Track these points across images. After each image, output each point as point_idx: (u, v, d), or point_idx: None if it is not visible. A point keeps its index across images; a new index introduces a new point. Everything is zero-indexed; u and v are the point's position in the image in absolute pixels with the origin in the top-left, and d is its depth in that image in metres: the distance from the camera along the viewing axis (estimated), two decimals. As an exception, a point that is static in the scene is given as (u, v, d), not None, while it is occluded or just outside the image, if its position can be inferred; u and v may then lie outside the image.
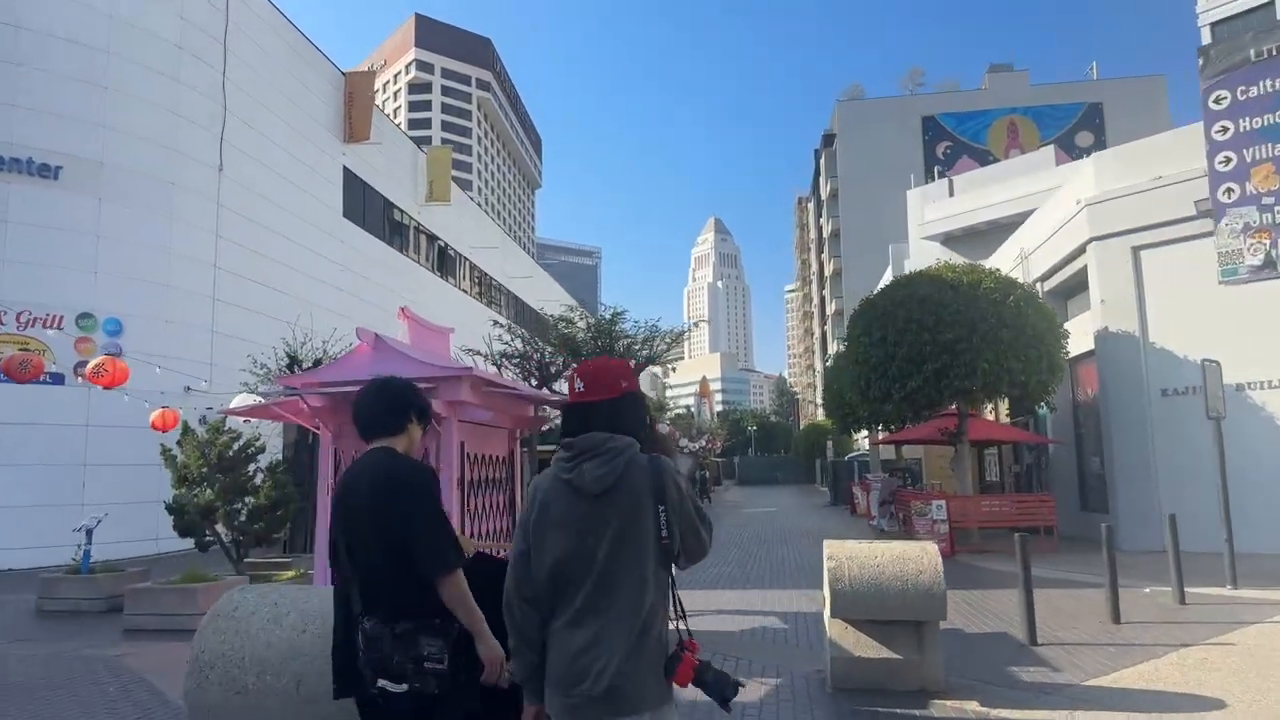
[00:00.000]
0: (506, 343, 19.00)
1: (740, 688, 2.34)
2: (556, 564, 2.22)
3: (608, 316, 19.70)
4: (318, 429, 7.15)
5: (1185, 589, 9.14)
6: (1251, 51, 13.09)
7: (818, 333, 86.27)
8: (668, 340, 20.62)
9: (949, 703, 5.21)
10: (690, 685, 2.22)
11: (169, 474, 11.37)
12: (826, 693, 5.54)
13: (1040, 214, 19.37)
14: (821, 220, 78.25)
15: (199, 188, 19.27)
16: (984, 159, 62.23)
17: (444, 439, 6.88)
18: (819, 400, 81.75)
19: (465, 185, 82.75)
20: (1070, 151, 55.13)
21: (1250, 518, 12.89)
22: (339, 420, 7.14)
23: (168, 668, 6.86)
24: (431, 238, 33.54)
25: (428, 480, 2.72)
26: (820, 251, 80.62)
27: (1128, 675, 5.99)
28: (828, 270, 73.99)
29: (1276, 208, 12.59)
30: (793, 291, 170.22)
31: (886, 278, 39.80)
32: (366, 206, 27.83)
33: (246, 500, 11.27)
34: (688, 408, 68.57)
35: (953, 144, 69.97)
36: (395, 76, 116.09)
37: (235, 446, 11.59)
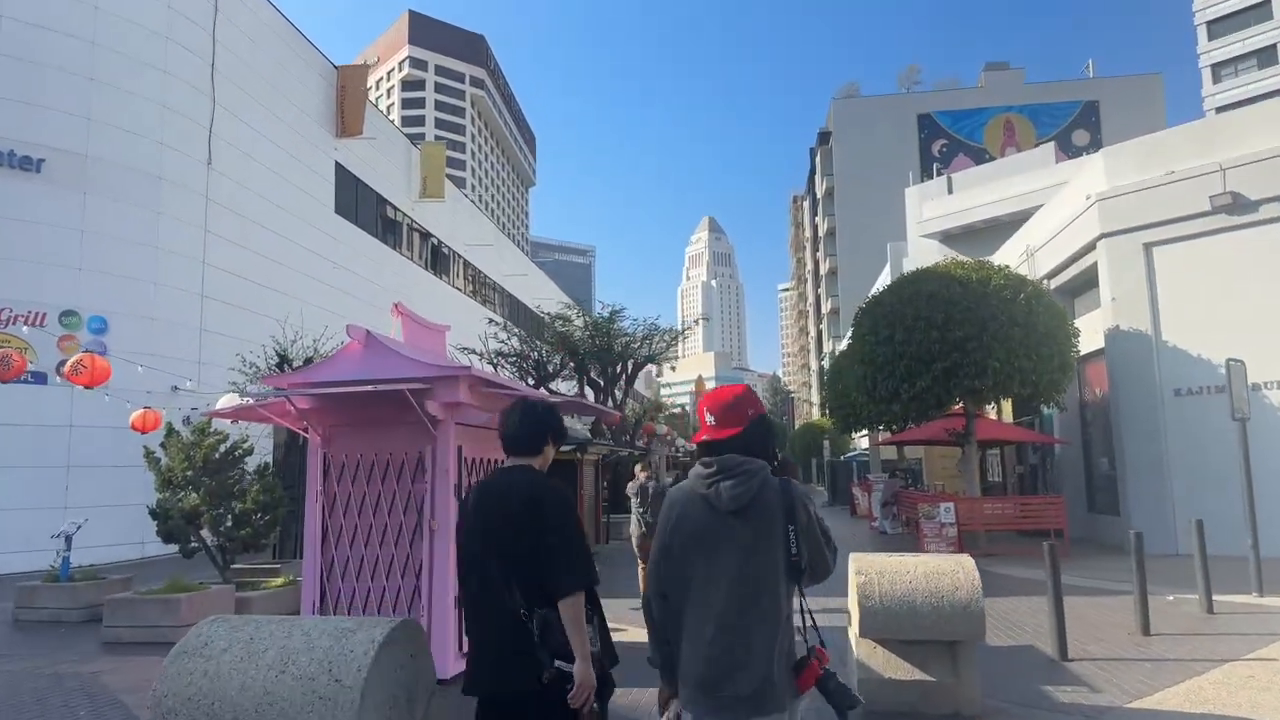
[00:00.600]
0: (503, 341, 18.59)
1: (860, 704, 2.48)
2: (693, 573, 2.43)
3: (606, 315, 19.34)
4: (305, 431, 6.72)
5: (1212, 597, 8.76)
6: None
7: (813, 332, 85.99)
8: (667, 339, 20.28)
9: (987, 728, 4.83)
10: (814, 690, 2.40)
11: (152, 477, 10.91)
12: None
13: (1047, 210, 19.03)
14: (817, 219, 77.93)
15: (187, 182, 18.79)
16: (980, 157, 62.06)
17: (440, 443, 6.48)
18: (814, 400, 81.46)
19: (459, 183, 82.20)
20: (1067, 150, 54.94)
21: (1266, 521, 12.56)
22: (329, 422, 6.73)
23: (145, 686, 6.42)
24: (425, 235, 33.07)
25: (570, 502, 2.94)
26: (815, 250, 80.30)
27: (1173, 696, 5.62)
28: (823, 269, 73.68)
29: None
30: (787, 290, 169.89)
31: (884, 276, 39.54)
32: (359, 202, 27.36)
33: (233, 505, 10.81)
34: (682, 407, 68.13)
35: (948, 142, 69.76)
36: (389, 74, 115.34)
37: (222, 448, 11.13)
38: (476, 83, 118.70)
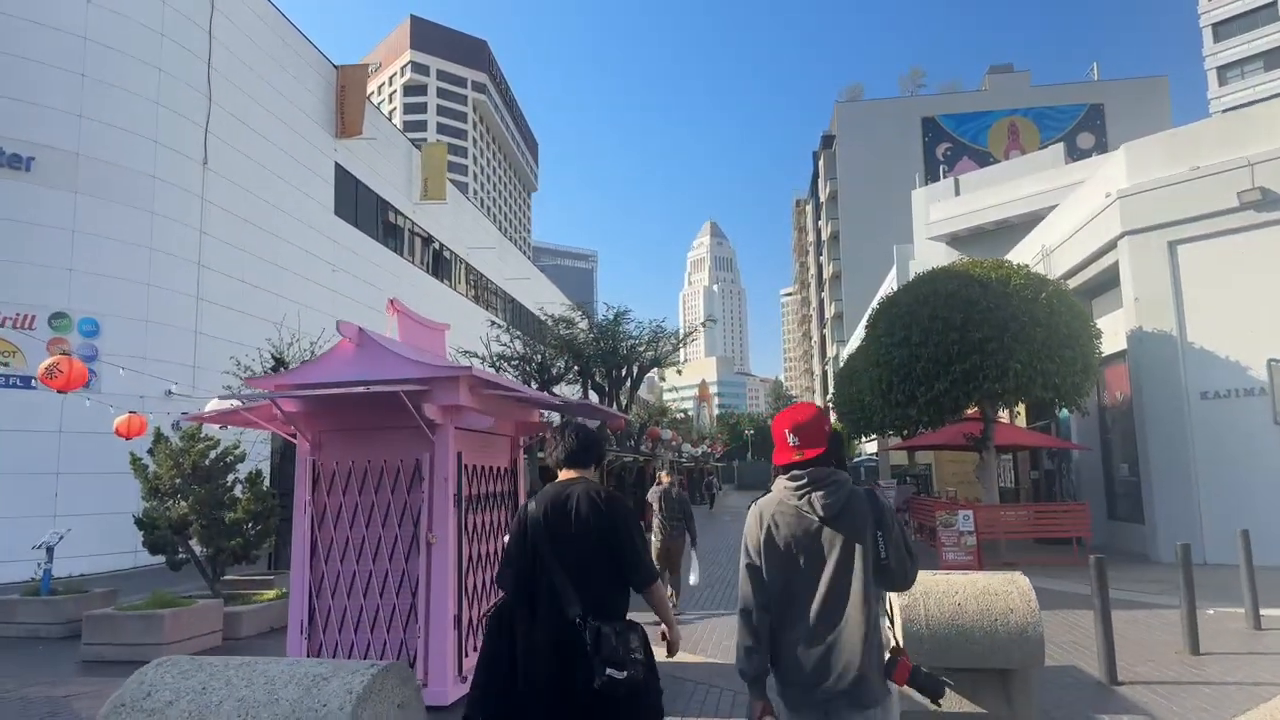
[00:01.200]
0: (505, 344, 18.11)
1: (948, 686, 2.71)
2: (789, 578, 2.58)
3: (610, 317, 18.86)
4: (293, 437, 6.23)
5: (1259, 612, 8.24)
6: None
7: (817, 336, 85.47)
8: (673, 342, 19.79)
9: (1045, 767, 4.33)
10: (905, 685, 2.60)
11: (139, 485, 10.43)
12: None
13: (1063, 209, 18.54)
14: (820, 223, 77.48)
15: (182, 182, 18.33)
16: (984, 160, 61.56)
17: (438, 449, 5.99)
18: (819, 404, 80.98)
19: (461, 188, 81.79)
20: (1072, 153, 54.45)
21: (1304, 529, 12.07)
22: (319, 427, 6.24)
23: (120, 714, 5.92)
24: (426, 238, 32.62)
25: (630, 509, 3.26)
26: (819, 254, 79.85)
27: (1244, 727, 5.10)
28: (827, 273, 73.21)
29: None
30: (789, 295, 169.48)
31: (891, 279, 39.06)
32: (359, 204, 26.90)
33: (224, 514, 10.32)
34: (686, 412, 67.62)
35: (953, 145, 69.33)
36: (390, 78, 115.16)
37: (213, 455, 10.66)
38: (478, 87, 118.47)
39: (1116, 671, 6.25)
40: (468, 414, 6.06)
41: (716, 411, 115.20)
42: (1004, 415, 20.55)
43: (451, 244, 34.93)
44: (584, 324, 19.49)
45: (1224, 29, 68.74)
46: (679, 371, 21.27)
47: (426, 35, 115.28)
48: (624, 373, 19.00)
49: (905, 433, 18.95)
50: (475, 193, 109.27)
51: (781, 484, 2.68)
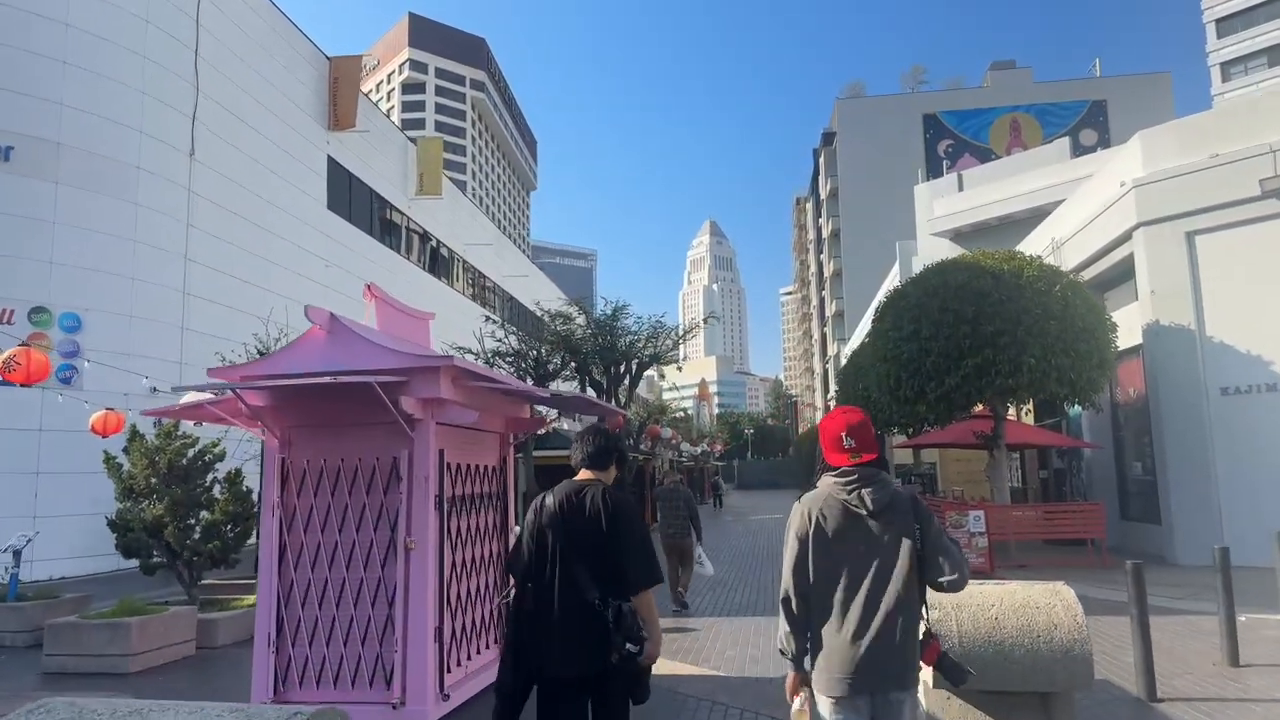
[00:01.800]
0: (500, 340, 17.60)
1: (972, 676, 2.92)
2: (837, 568, 2.78)
3: (608, 312, 18.36)
4: (262, 434, 5.73)
5: (1296, 619, 7.75)
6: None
7: (817, 335, 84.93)
8: (673, 338, 19.28)
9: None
10: (932, 667, 2.88)
11: (113, 485, 9.94)
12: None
13: (1074, 200, 18.04)
14: (821, 220, 76.95)
15: (168, 173, 17.83)
16: (986, 157, 61.06)
17: (418, 446, 5.49)
18: (818, 404, 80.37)
19: (460, 186, 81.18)
20: (1074, 150, 53.95)
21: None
22: (288, 423, 5.74)
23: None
24: (421, 233, 32.10)
25: (637, 511, 3.44)
26: (819, 252, 79.33)
27: (1306, 753, 4.62)
28: (827, 271, 72.68)
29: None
30: (789, 294, 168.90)
31: (893, 276, 38.52)
32: (353, 198, 26.40)
33: (201, 515, 9.83)
34: (686, 411, 67.09)
35: (954, 142, 68.84)
36: (389, 76, 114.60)
37: (191, 453, 10.17)
38: (477, 85, 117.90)
39: (1156, 688, 5.75)
40: (450, 408, 5.56)
41: (716, 411, 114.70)
42: (1010, 413, 20.06)
43: (448, 240, 34.42)
44: (581, 319, 18.96)
45: (1227, 25, 68.31)
46: (679, 369, 20.75)
47: (425, 33, 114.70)
48: (622, 369, 18.49)
49: (911, 431, 18.44)
50: (474, 191, 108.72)
51: (829, 481, 2.87)
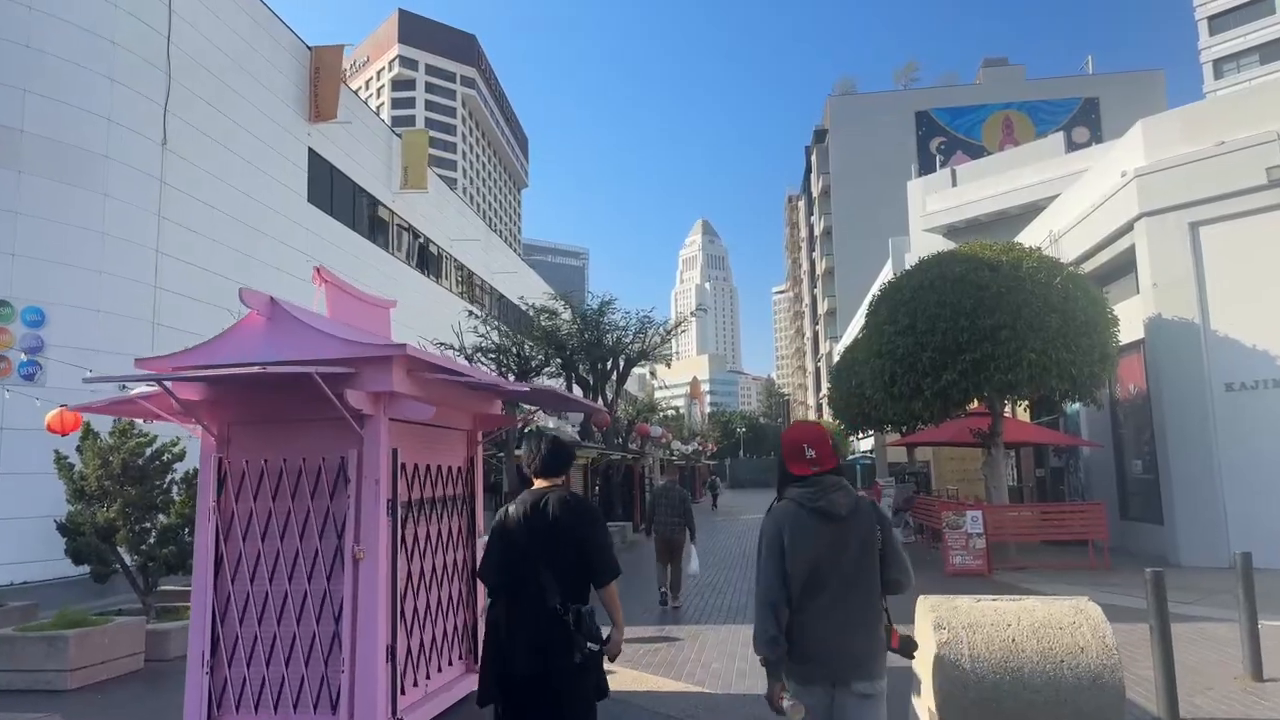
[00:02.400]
0: (483, 335, 17.03)
1: (918, 647, 3.24)
2: (811, 570, 2.94)
3: (595, 306, 17.82)
4: (199, 431, 5.19)
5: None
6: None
7: (809, 333, 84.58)
8: (662, 333, 18.77)
9: None
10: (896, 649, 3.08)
11: (64, 486, 9.37)
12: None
13: (1073, 191, 17.60)
14: (813, 218, 76.59)
15: (138, 163, 17.17)
16: (978, 154, 60.77)
17: (368, 445, 4.96)
18: (810, 401, 79.93)
19: (450, 183, 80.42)
20: (1067, 146, 53.65)
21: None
22: (226, 419, 5.20)
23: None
24: (408, 229, 31.47)
25: (597, 511, 3.78)
26: (811, 250, 78.95)
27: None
28: (819, 268, 72.31)
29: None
30: (781, 292, 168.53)
31: (886, 272, 38.10)
32: (335, 192, 25.75)
33: (158, 518, 9.27)
34: (677, 409, 66.61)
35: (947, 139, 68.62)
36: (378, 73, 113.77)
37: (148, 452, 9.61)
38: (467, 82, 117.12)
39: (1178, 707, 5.27)
40: (404, 402, 5.02)
41: (708, 409, 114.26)
42: (1008, 410, 19.62)
43: (434, 235, 33.79)
44: (567, 314, 18.42)
45: (1219, 22, 68.20)
46: (668, 365, 20.24)
47: (415, 29, 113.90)
48: (609, 366, 17.96)
49: (905, 429, 17.96)
50: (465, 188, 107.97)
51: (796, 491, 3.04)
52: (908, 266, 16.85)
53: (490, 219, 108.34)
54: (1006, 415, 18.45)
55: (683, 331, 20.18)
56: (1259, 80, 59.79)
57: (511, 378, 15.63)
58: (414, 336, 15.72)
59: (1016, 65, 71.72)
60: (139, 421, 9.64)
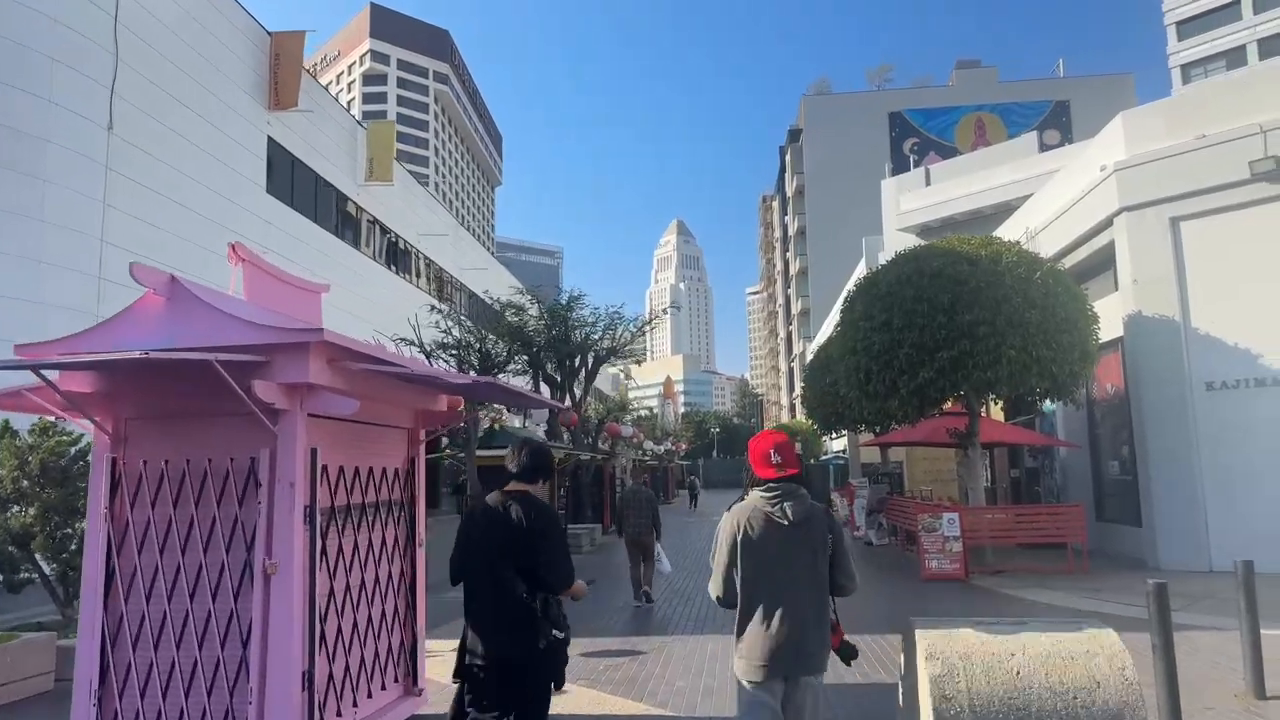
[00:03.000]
0: (444, 330, 16.36)
1: (857, 655, 3.47)
2: (761, 571, 3.21)
3: (564, 301, 17.23)
4: (92, 427, 4.55)
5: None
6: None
7: (783, 333, 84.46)
8: (632, 330, 18.21)
9: None
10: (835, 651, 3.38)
11: (-23, 489, 8.61)
12: None
13: (1051, 187, 17.31)
14: (787, 218, 76.45)
15: (81, 148, 16.31)
16: (951, 156, 60.86)
17: (282, 444, 4.35)
18: (783, 401, 79.81)
19: (422, 180, 79.18)
20: (1039, 148, 53.91)
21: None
22: (122, 414, 4.56)
23: None
24: (374, 223, 30.63)
25: (557, 520, 3.96)
26: (785, 250, 78.81)
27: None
28: (793, 269, 72.17)
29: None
30: (755, 293, 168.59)
31: (860, 271, 37.85)
32: (296, 183, 24.90)
33: (80, 524, 8.55)
34: (650, 409, 66.11)
35: (920, 140, 68.81)
36: (350, 67, 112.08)
37: (72, 451, 8.88)
38: (440, 78, 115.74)
39: (1182, 730, 4.82)
40: (323, 396, 4.42)
41: (682, 409, 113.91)
42: (983, 410, 19.30)
43: (401, 230, 32.96)
44: (534, 310, 17.80)
45: (1187, 28, 68.94)
46: (638, 363, 19.68)
47: (387, 24, 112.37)
48: (578, 363, 17.37)
49: (879, 428, 17.57)
50: (437, 185, 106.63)
51: (757, 495, 3.32)
52: (881, 264, 16.51)
53: (463, 216, 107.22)
54: (982, 415, 18.15)
55: (654, 328, 19.63)
56: (1240, 73, 60.57)
57: (473, 373, 14.98)
58: (375, 333, 15.02)
59: (989, 67, 72.14)
60: (64, 419, 8.93)
